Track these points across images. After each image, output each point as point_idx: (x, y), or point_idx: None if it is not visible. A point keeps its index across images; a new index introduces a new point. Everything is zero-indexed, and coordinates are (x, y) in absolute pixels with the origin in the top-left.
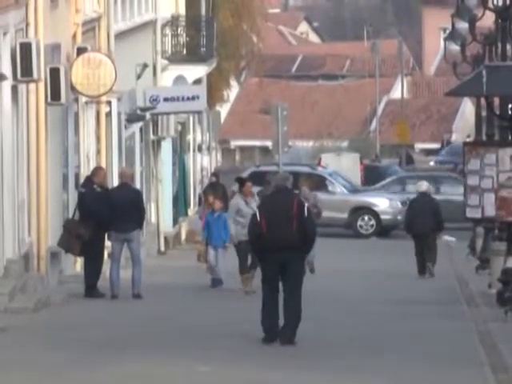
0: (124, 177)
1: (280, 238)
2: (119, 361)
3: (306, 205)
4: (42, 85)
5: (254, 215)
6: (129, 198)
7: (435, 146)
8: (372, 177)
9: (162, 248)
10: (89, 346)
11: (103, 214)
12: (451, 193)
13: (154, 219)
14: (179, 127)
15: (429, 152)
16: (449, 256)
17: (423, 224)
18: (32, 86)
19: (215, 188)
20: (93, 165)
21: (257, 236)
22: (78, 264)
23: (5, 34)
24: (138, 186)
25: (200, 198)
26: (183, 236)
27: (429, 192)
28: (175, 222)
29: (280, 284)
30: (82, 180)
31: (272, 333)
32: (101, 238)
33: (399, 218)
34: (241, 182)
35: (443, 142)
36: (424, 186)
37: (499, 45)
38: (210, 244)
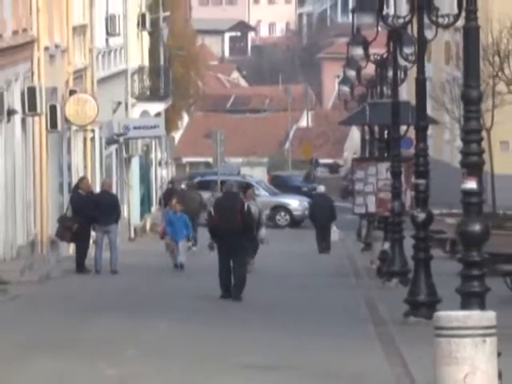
0: (105, 185)
1: (228, 227)
2: (98, 320)
3: (246, 203)
4: (43, 117)
5: (210, 211)
6: (109, 201)
7: (330, 161)
8: (277, 184)
9: (132, 236)
10: (81, 310)
11: (86, 211)
12: None
13: (126, 215)
14: (144, 148)
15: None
16: (342, 241)
17: (322, 216)
18: (36, 118)
19: (171, 192)
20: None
21: (213, 226)
22: (70, 248)
23: (16, 80)
24: (114, 191)
25: (160, 200)
26: (148, 227)
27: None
28: (142, 216)
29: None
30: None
31: (227, 291)
32: (87, 229)
33: (306, 213)
34: (244, 189)
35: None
36: (322, 188)
37: (378, 87)
38: (173, 238)
